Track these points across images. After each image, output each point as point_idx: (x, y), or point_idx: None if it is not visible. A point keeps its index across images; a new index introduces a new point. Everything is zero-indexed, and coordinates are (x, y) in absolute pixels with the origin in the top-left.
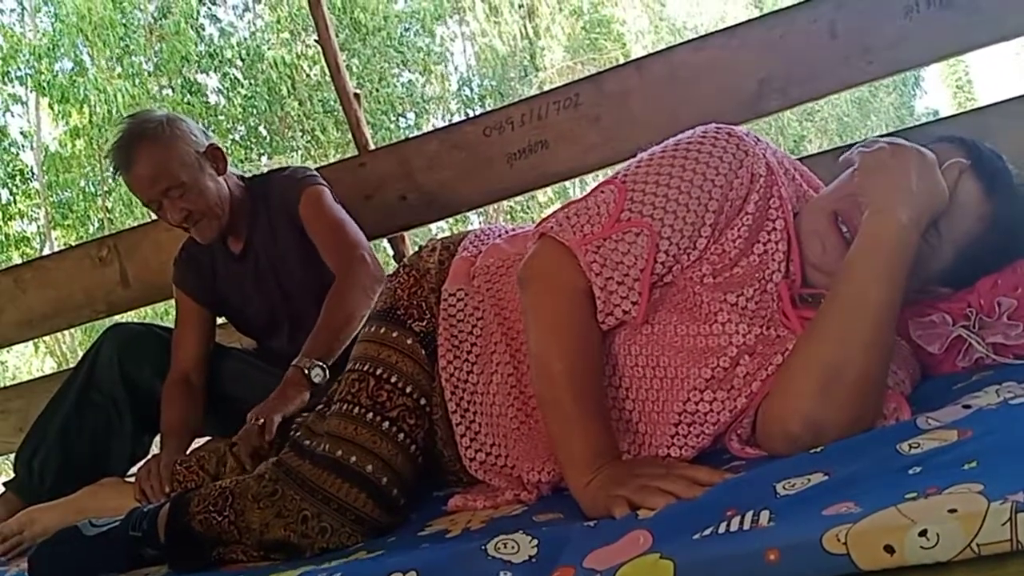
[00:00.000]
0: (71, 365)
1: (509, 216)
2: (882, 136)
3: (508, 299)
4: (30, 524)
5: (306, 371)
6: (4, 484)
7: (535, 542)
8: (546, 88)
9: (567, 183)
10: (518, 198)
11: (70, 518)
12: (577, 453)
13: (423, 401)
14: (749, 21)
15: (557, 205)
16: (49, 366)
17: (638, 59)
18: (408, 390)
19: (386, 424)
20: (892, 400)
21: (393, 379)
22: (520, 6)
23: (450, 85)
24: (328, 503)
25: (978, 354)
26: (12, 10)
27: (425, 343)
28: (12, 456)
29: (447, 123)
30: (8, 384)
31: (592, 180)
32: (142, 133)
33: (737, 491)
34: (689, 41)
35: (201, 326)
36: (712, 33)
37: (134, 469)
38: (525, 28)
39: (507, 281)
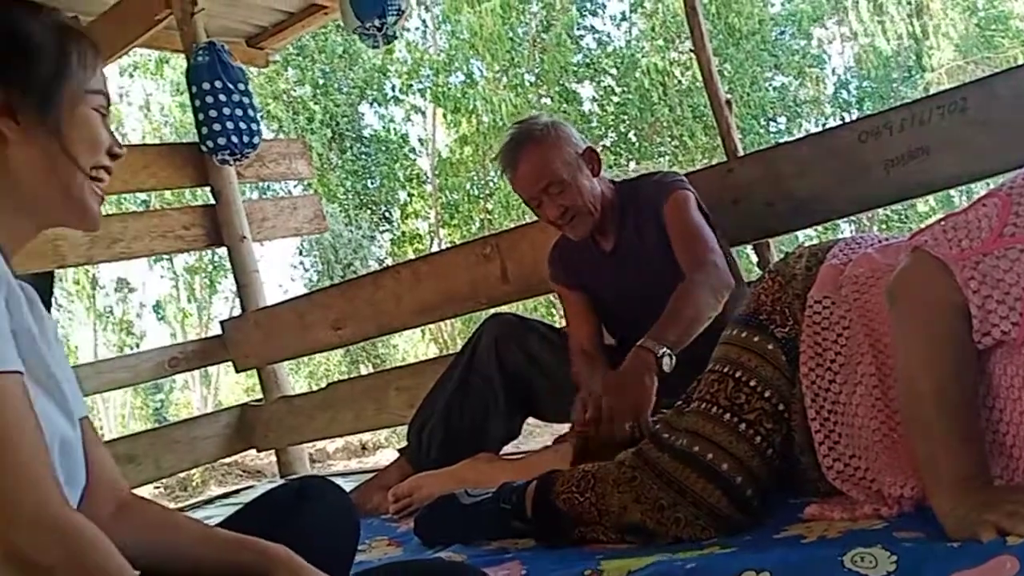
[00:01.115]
0: (451, 351)
1: (884, 226)
2: None
3: (877, 310)
4: (418, 488)
5: (658, 356)
6: (399, 451)
7: (894, 558)
8: (932, 90)
9: (952, 192)
10: (895, 207)
11: (451, 486)
12: (944, 474)
13: (781, 407)
14: None
15: (939, 215)
16: (432, 351)
17: None
18: (767, 395)
19: (743, 426)
20: None
21: (752, 383)
22: (908, 3)
23: (826, 88)
24: (684, 495)
25: None
26: (417, 28)
27: (786, 349)
28: (404, 428)
29: (820, 128)
30: (401, 364)
31: (979, 189)
32: (529, 135)
33: None
34: None
35: (585, 308)
36: None
37: (508, 448)
38: (912, 26)
39: (877, 292)
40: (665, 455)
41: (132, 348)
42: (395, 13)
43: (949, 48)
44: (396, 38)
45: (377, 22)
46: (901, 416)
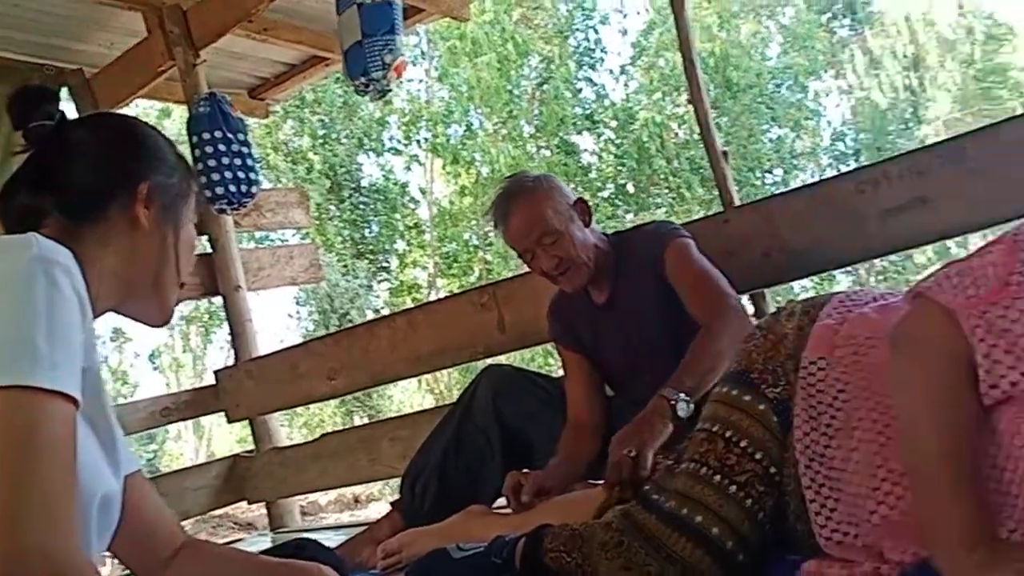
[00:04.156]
0: (447, 402)
1: (882, 277)
2: None
3: (876, 373)
4: (408, 545)
5: (672, 402)
6: (391, 504)
7: None
8: (928, 142)
9: (949, 242)
10: (892, 257)
11: (441, 542)
12: (950, 530)
13: (772, 470)
14: None
15: (936, 266)
16: (428, 402)
17: None
18: (758, 456)
19: (733, 488)
20: None
21: (743, 443)
22: (904, 56)
23: (822, 140)
24: (672, 563)
25: None
26: (417, 80)
27: (778, 411)
28: (398, 480)
29: (816, 179)
30: (395, 415)
31: (978, 240)
32: (520, 187)
33: None
34: None
35: (585, 374)
36: None
37: (500, 501)
38: (908, 79)
39: (875, 354)
40: (653, 517)
41: (126, 397)
42: (379, 68)
43: (946, 100)
44: (389, 91)
45: (363, 78)
46: (904, 468)
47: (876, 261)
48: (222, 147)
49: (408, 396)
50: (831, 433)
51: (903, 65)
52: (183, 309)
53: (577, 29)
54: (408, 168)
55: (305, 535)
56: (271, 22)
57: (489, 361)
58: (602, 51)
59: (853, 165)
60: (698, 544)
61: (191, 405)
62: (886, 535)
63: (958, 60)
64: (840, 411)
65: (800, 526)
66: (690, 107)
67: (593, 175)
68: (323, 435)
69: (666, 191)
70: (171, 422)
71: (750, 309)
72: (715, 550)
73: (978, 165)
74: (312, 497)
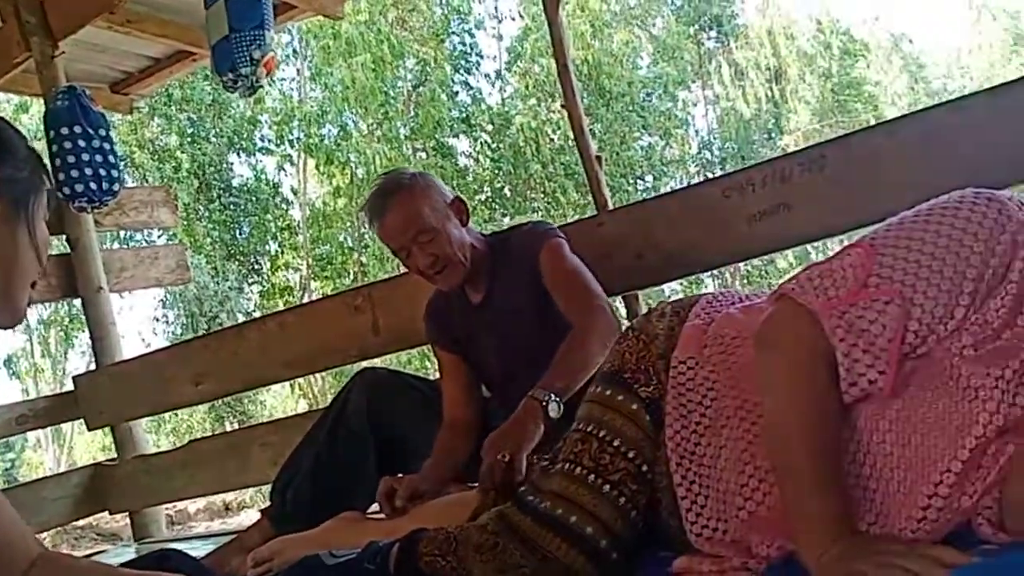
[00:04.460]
0: (322, 406)
1: (746, 280)
2: None
3: (743, 371)
4: (279, 552)
5: (543, 403)
6: (260, 511)
7: None
8: (790, 151)
9: (809, 247)
10: (756, 262)
11: (314, 549)
12: (813, 523)
13: (645, 468)
14: (1017, 81)
15: (797, 271)
16: (302, 407)
17: (889, 121)
18: (631, 455)
19: (607, 487)
20: None
21: (616, 443)
22: (767, 68)
23: (691, 148)
24: (547, 563)
25: None
26: (292, 79)
27: (650, 410)
28: (268, 486)
29: (686, 184)
30: (266, 420)
31: (836, 245)
32: (397, 184)
33: None
34: (947, 103)
35: (461, 375)
36: (974, 93)
37: (375, 506)
38: (771, 91)
39: (742, 353)
40: (528, 518)
41: None
42: (248, 64)
43: (806, 112)
44: (260, 87)
45: (231, 74)
46: (771, 463)
47: (741, 265)
48: (82, 143)
49: (281, 401)
50: (701, 431)
51: (766, 77)
52: (41, 312)
53: (453, 32)
54: (281, 168)
55: (171, 545)
56: (135, 14)
57: (364, 364)
58: (478, 55)
59: (719, 173)
60: (573, 544)
61: (49, 412)
62: (753, 530)
63: (817, 74)
64: (709, 409)
65: (672, 523)
66: (565, 112)
67: (470, 178)
68: (191, 441)
69: (542, 195)
70: (28, 430)
71: (623, 311)
72: (589, 549)
73: (836, 173)
74: (181, 505)
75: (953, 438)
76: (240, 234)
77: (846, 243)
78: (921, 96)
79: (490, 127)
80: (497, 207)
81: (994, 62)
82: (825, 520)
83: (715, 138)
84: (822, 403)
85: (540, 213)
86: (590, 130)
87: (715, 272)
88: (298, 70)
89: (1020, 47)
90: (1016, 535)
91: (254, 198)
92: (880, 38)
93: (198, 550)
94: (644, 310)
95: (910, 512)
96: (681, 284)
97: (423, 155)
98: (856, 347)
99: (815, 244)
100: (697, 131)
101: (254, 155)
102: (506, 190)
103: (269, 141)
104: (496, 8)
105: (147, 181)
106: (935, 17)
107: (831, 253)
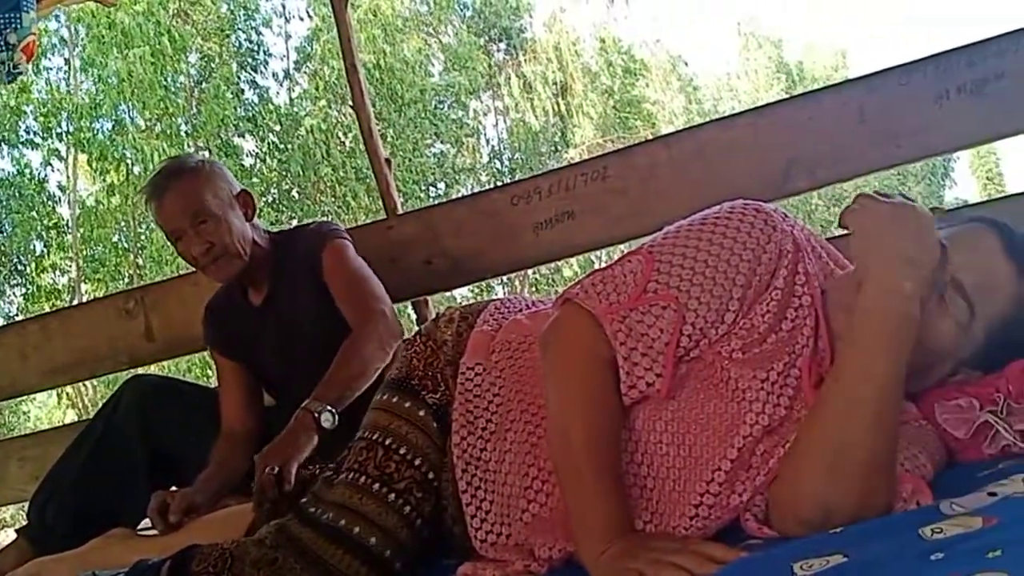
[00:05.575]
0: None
1: (534, 288)
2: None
3: (528, 376)
4: (38, 575)
5: (316, 415)
6: (16, 531)
7: None
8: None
9: (593, 256)
10: (543, 271)
11: (78, 569)
12: (592, 523)
13: (431, 475)
14: (778, 102)
15: (582, 277)
16: (71, 418)
17: (666, 135)
18: (417, 463)
19: (392, 496)
20: (909, 482)
21: (402, 451)
22: (554, 83)
23: (481, 157)
24: (329, 574)
25: (1005, 441)
26: (60, 68)
27: (437, 416)
28: (27, 504)
29: (475, 191)
30: (26, 433)
31: (617, 253)
32: (182, 166)
33: (753, 570)
34: (717, 120)
35: (240, 382)
36: (740, 113)
37: (146, 522)
38: (558, 105)
39: (528, 358)
40: (309, 531)
41: None
42: (2, 48)
43: (590, 127)
44: (20, 74)
45: None
46: (553, 465)
47: (530, 272)
48: None
49: (47, 412)
50: (487, 436)
51: (553, 92)
52: None
53: (239, 29)
54: (47, 163)
55: None
56: None
57: (138, 371)
58: (265, 54)
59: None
60: (356, 555)
61: None
62: (536, 532)
63: (600, 91)
64: (495, 414)
65: (457, 529)
66: (353, 112)
67: (256, 179)
68: None
69: (332, 198)
70: None
71: (413, 316)
72: (372, 559)
73: (617, 183)
74: None
75: (723, 438)
76: (1, 232)
77: (626, 250)
78: (695, 116)
79: (278, 127)
80: (284, 209)
81: (759, 86)
82: (603, 520)
83: (505, 148)
84: (603, 404)
85: (330, 216)
86: (382, 135)
87: (504, 279)
88: (67, 60)
89: (781, 74)
90: (779, 531)
91: (17, 194)
92: (660, 59)
93: None
94: (434, 315)
95: (684, 510)
96: (471, 291)
97: (206, 153)
98: (635, 350)
99: (597, 253)
100: (488, 140)
101: (17, 147)
102: (294, 192)
103: (34, 133)
104: (284, 6)
105: None
106: (708, 42)
107: (613, 259)
